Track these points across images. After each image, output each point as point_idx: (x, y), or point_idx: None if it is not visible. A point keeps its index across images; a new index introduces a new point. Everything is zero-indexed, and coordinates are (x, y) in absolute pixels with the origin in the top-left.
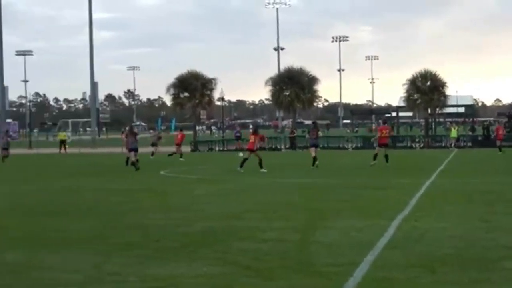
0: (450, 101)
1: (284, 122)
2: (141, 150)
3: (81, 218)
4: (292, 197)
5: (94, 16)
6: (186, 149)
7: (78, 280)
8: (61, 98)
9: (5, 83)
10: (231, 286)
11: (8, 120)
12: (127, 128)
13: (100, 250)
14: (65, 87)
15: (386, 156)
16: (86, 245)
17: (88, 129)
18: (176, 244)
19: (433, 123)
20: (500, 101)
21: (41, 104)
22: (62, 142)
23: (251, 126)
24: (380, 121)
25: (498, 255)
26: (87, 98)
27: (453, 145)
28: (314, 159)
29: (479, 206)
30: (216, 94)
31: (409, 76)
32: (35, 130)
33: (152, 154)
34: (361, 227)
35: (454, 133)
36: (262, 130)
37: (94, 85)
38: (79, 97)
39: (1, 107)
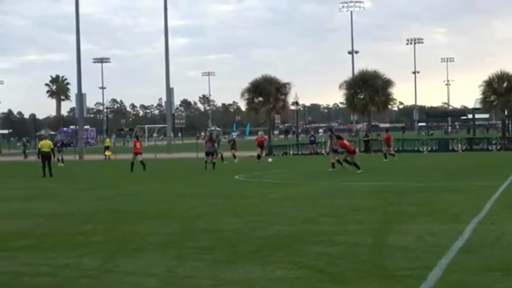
0: None
1: (359, 126)
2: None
3: (157, 223)
4: (366, 201)
5: (169, 23)
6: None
7: (151, 283)
8: (137, 104)
9: (83, 90)
10: None
11: (86, 127)
12: (210, 135)
13: (174, 254)
14: (141, 93)
15: None
16: (161, 249)
17: (154, 135)
18: (251, 248)
19: (510, 125)
20: None
21: (118, 111)
22: (107, 148)
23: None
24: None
25: None
26: (163, 104)
27: None
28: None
29: None
30: (290, 99)
31: (485, 78)
32: (113, 136)
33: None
34: (436, 230)
35: None
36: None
37: (169, 91)
38: (155, 103)
39: (79, 113)
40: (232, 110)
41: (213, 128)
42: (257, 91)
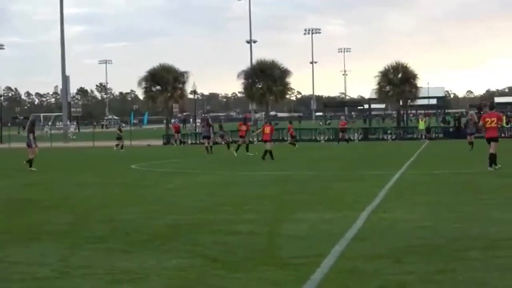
0: (422, 93)
1: (257, 115)
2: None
3: (52, 212)
4: (264, 190)
5: (66, 11)
6: (158, 142)
7: (44, 273)
8: (33, 93)
9: None
10: (198, 279)
11: None
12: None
13: (68, 243)
14: (37, 81)
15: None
16: (55, 239)
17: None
18: (146, 237)
19: (404, 115)
20: (472, 92)
21: (12, 99)
22: None
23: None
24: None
25: (465, 245)
26: (59, 92)
27: (424, 136)
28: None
29: (448, 197)
30: (188, 88)
31: (381, 69)
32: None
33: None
34: (330, 219)
35: (422, 125)
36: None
37: (65, 79)
38: (51, 91)
39: None
40: (129, 98)
41: (110, 116)
42: (154, 79)
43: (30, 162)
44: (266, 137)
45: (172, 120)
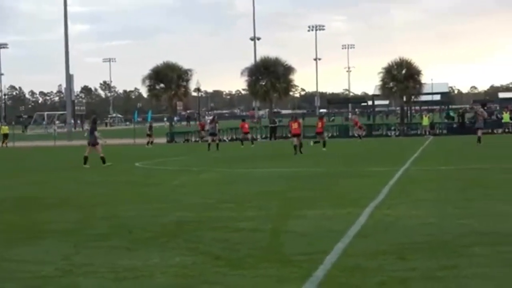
0: (426, 89)
1: (261, 112)
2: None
3: (56, 210)
4: (268, 187)
5: (69, 9)
6: (162, 140)
7: (48, 271)
8: (37, 91)
9: None
10: (202, 276)
11: None
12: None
13: (73, 241)
14: (41, 80)
15: None
16: (59, 237)
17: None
18: (150, 235)
19: (408, 111)
20: (476, 88)
21: (16, 98)
22: (5, 136)
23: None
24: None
25: (469, 241)
26: (63, 91)
27: (428, 132)
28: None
29: (452, 193)
30: (192, 85)
31: (385, 65)
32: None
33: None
34: (333, 215)
35: (426, 121)
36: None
37: (69, 78)
38: (55, 90)
39: None
40: (133, 96)
41: (114, 114)
42: (158, 77)
43: (102, 159)
44: (296, 131)
45: (205, 118)
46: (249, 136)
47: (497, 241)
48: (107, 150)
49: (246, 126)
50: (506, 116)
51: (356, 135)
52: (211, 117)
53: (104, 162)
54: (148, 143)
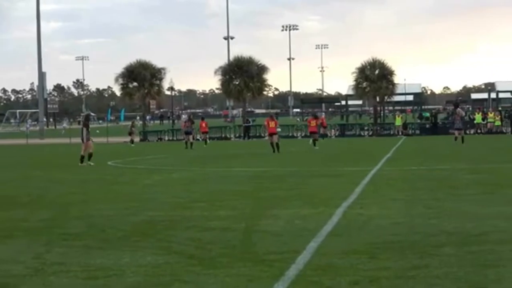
0: (399, 89)
1: (235, 111)
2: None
3: (27, 209)
4: (240, 186)
5: (43, 7)
6: (135, 139)
7: (18, 271)
8: (9, 89)
9: None
10: (174, 275)
11: None
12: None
13: (44, 240)
14: (13, 77)
15: None
16: (30, 236)
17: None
18: (121, 234)
19: (381, 111)
20: (449, 89)
21: None
22: None
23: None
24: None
25: (440, 241)
26: (36, 89)
27: (401, 132)
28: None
29: (424, 193)
30: (166, 84)
31: (358, 65)
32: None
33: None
34: (306, 215)
35: (398, 121)
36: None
37: (41, 75)
38: (28, 87)
39: None
40: (106, 95)
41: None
42: (131, 76)
43: (81, 158)
44: (272, 130)
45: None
46: (205, 136)
47: (466, 241)
48: (80, 149)
49: (204, 125)
50: (478, 117)
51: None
52: (186, 117)
53: (82, 161)
54: (131, 141)
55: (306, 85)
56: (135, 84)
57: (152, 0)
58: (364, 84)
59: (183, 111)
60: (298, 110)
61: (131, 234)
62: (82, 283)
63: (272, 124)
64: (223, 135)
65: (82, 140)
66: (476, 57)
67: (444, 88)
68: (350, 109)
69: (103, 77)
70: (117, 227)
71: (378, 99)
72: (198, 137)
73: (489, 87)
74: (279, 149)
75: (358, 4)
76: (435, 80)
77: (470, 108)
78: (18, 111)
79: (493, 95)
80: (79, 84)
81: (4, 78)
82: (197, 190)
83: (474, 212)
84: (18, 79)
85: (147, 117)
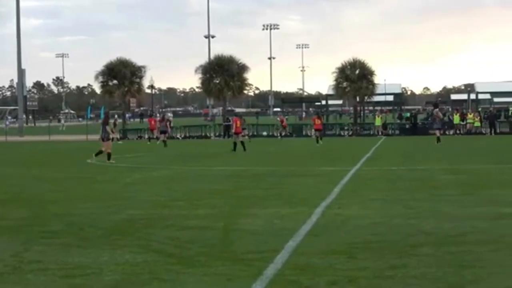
0: (379, 90)
1: (215, 110)
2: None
3: (6, 206)
4: (219, 185)
5: (23, 3)
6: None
7: None
8: None
9: None
10: (153, 274)
11: None
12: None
13: (22, 238)
14: None
15: None
16: (8, 234)
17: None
18: (100, 232)
19: (361, 111)
20: (428, 89)
21: None
22: None
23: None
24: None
25: (418, 241)
26: (15, 86)
27: (380, 133)
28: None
29: (403, 193)
30: (146, 82)
31: (339, 65)
32: None
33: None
34: (285, 214)
35: (378, 121)
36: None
37: (21, 72)
38: (7, 84)
39: None
40: (86, 93)
41: (66, 110)
42: (112, 74)
43: (98, 153)
44: (237, 130)
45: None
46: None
47: (444, 241)
48: (63, 146)
49: (153, 122)
50: (456, 118)
51: (279, 134)
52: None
53: (109, 158)
54: (116, 139)
55: (287, 84)
56: (115, 82)
57: None
58: (345, 84)
59: (162, 110)
60: (278, 109)
61: (111, 232)
62: (59, 281)
63: (238, 123)
64: (203, 134)
65: (102, 139)
66: (456, 58)
67: (424, 88)
68: (330, 109)
69: (83, 74)
70: (96, 225)
71: (358, 99)
72: (178, 136)
73: (469, 88)
74: (245, 148)
75: (339, 3)
76: (415, 81)
77: (450, 109)
78: None
79: (472, 96)
80: (59, 81)
81: None
82: (177, 189)
83: (453, 213)
84: None
85: (127, 115)
